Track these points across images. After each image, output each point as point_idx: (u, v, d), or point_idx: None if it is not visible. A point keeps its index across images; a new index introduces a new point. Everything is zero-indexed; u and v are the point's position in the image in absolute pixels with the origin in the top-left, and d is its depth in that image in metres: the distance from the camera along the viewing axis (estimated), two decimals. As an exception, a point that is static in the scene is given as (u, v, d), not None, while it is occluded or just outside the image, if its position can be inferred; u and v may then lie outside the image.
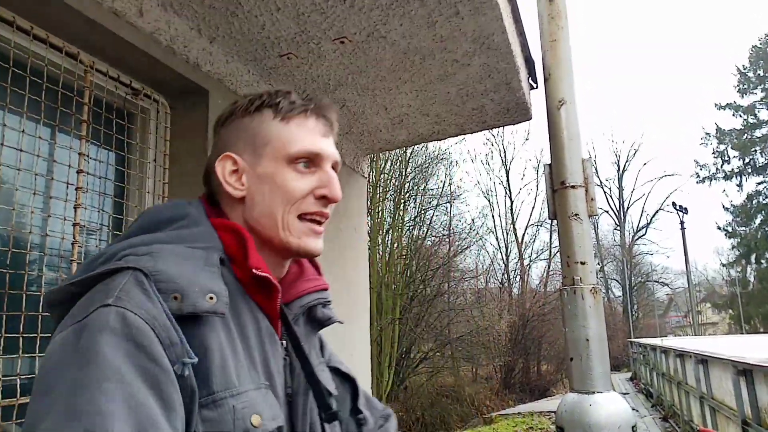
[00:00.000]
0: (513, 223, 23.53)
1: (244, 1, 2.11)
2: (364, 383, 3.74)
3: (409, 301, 15.58)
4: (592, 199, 2.65)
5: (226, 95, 2.47)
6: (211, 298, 0.74)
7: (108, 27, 1.91)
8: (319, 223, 0.93)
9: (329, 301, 1.02)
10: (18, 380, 1.70)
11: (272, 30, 2.30)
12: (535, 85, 3.11)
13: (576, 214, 2.60)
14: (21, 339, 1.72)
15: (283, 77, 2.68)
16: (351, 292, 3.64)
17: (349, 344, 3.52)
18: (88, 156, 2.01)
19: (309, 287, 0.98)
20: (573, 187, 2.62)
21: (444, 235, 18.15)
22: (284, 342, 0.91)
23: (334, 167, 0.94)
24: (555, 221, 2.70)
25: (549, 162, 2.76)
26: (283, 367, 0.88)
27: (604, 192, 38.55)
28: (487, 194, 31.54)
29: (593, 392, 2.38)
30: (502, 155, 31.03)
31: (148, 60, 2.09)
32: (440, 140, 3.71)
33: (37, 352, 1.76)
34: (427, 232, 17.33)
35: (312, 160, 0.91)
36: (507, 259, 22.80)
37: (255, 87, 2.66)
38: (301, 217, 0.90)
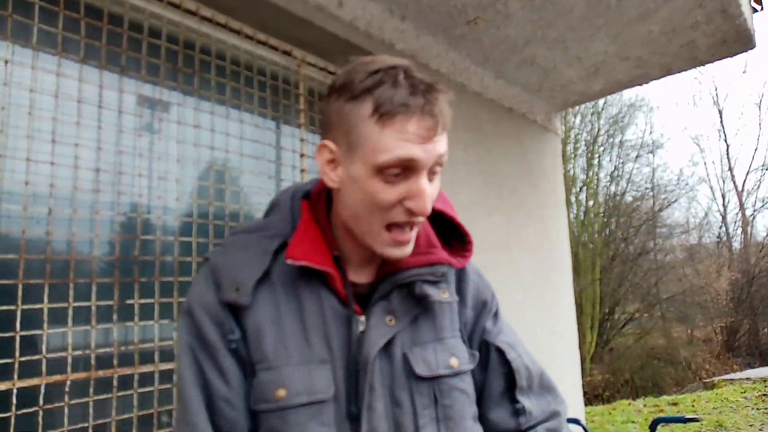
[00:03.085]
0: (730, 169, 20.51)
1: (431, -25, 2.17)
2: (570, 344, 3.67)
3: (609, 260, 14.68)
4: (842, 132, 2.24)
5: (419, 70, 2.57)
6: (237, 289, 0.84)
7: (314, 21, 2.12)
8: (410, 228, 0.87)
9: (435, 280, 0.93)
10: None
11: (459, -2, 2.33)
12: (760, 7, 2.70)
13: (821, 152, 2.23)
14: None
15: (471, 43, 2.70)
16: (554, 251, 3.59)
17: (554, 305, 3.48)
18: (307, 141, 2.26)
19: (410, 262, 0.91)
20: (816, 120, 2.25)
21: (647, 188, 16.62)
22: (363, 317, 0.89)
23: (437, 164, 0.84)
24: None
25: (782, 94, 2.39)
26: (353, 342, 0.86)
27: None
28: (697, 139, 28.15)
29: None
30: (713, 94, 27.30)
31: (349, 47, 2.27)
32: (642, 85, 3.42)
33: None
34: (626, 187, 16.03)
35: (405, 168, 0.81)
36: (725, 210, 20.05)
37: (444, 57, 2.72)
38: (389, 226, 0.85)
